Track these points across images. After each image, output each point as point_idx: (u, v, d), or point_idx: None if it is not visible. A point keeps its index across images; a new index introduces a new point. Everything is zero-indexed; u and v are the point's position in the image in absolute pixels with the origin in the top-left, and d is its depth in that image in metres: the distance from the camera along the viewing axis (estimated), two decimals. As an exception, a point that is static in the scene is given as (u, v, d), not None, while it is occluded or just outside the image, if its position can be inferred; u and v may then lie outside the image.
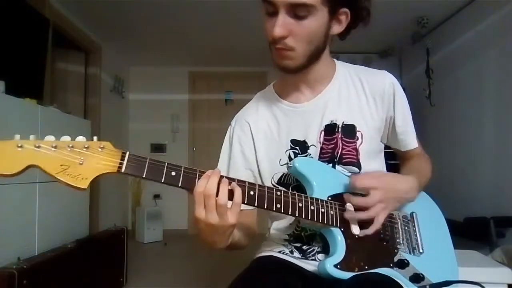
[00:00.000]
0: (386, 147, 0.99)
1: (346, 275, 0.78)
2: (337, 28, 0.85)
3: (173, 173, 0.68)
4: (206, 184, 0.67)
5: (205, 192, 0.67)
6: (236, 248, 0.88)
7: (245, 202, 0.72)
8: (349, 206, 0.82)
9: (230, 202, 0.69)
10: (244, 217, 0.92)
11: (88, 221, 2.57)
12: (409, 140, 0.97)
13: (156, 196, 4.76)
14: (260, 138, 0.96)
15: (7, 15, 2.23)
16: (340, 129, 0.90)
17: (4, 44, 2.19)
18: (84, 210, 2.52)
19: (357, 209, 0.81)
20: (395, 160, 1.08)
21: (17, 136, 0.61)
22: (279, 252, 0.94)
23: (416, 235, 0.91)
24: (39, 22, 2.57)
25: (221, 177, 0.70)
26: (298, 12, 0.77)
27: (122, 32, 3.86)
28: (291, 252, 0.93)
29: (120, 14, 3.42)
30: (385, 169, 1.00)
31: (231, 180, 0.71)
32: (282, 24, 0.78)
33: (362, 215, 0.80)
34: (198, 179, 0.69)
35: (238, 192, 0.69)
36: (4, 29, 2.21)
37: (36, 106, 2.05)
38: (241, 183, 0.73)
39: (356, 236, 0.81)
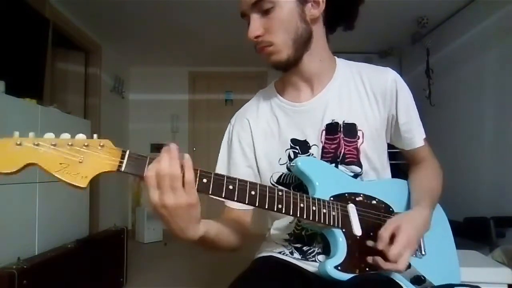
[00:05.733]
0: (390, 147, 0.98)
1: (346, 276, 0.78)
2: (315, 11, 0.85)
3: None
4: (159, 166, 0.62)
5: (157, 172, 0.62)
6: (220, 247, 0.82)
7: (247, 202, 0.72)
8: (350, 208, 0.82)
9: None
10: (238, 216, 0.92)
11: (88, 221, 2.57)
12: (415, 138, 0.95)
13: (156, 196, 4.76)
14: (259, 136, 0.95)
15: (7, 15, 2.23)
16: (342, 129, 0.89)
17: (4, 44, 2.19)
18: (84, 210, 2.52)
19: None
20: (396, 160, 1.08)
21: (16, 133, 0.60)
22: (279, 252, 0.94)
23: (419, 237, 0.90)
24: (39, 22, 2.57)
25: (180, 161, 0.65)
26: (263, 8, 0.81)
27: (122, 32, 3.86)
28: (291, 253, 0.92)
29: (120, 14, 3.41)
30: (388, 168, 0.98)
31: (201, 171, 0.68)
32: (254, 25, 0.82)
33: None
34: (197, 178, 0.67)
35: (188, 172, 0.64)
36: (4, 29, 2.20)
37: (36, 106, 2.05)
38: (242, 182, 0.72)
39: (358, 237, 0.80)
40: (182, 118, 5.03)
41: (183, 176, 0.64)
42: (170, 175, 0.62)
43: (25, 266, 1.59)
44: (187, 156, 0.66)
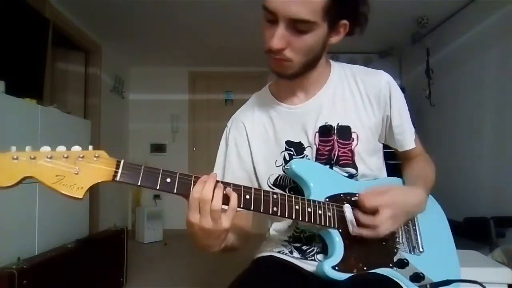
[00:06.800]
0: (386, 147, 0.99)
1: (344, 276, 0.78)
2: (335, 39, 0.85)
3: (168, 180, 0.69)
4: (202, 190, 0.68)
5: (201, 197, 0.67)
6: (230, 251, 0.88)
7: (241, 206, 0.72)
8: (346, 208, 0.82)
9: (225, 206, 0.70)
10: (239, 219, 0.91)
11: (88, 221, 2.57)
12: (406, 140, 0.96)
13: (156, 196, 4.76)
14: (255, 139, 0.96)
15: (7, 15, 2.23)
16: (336, 131, 0.90)
17: (4, 44, 2.19)
18: (84, 210, 2.52)
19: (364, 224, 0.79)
20: (395, 160, 1.08)
21: (13, 148, 0.62)
22: (279, 252, 0.95)
23: (416, 234, 0.90)
24: (39, 22, 2.57)
25: (217, 181, 0.70)
26: (298, 27, 0.76)
27: (122, 32, 3.86)
28: (291, 252, 0.93)
29: (120, 14, 3.42)
30: (384, 168, 1.00)
31: (226, 185, 0.71)
32: (281, 37, 0.77)
33: (370, 233, 0.79)
34: (193, 184, 0.69)
35: (233, 197, 0.70)
36: (4, 29, 2.20)
37: (36, 106, 2.05)
38: (236, 187, 0.73)
39: (354, 237, 0.80)
40: (182, 118, 5.03)
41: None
42: (211, 203, 0.67)
43: (25, 266, 1.59)
44: (229, 189, 0.71)
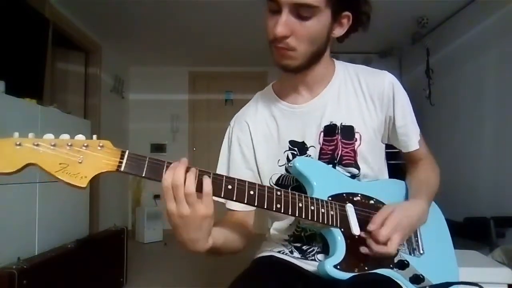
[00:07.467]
0: (389, 147, 0.98)
1: (345, 275, 0.78)
2: (338, 31, 0.85)
3: None
4: (173, 175, 0.65)
5: (173, 183, 0.64)
6: (225, 252, 0.84)
7: (245, 201, 0.72)
8: (349, 207, 0.82)
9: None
10: (241, 218, 0.92)
11: (88, 221, 2.57)
12: (410, 141, 0.95)
13: (156, 196, 4.76)
14: (258, 138, 0.96)
15: (7, 15, 2.23)
16: (339, 131, 0.90)
17: (4, 44, 2.19)
18: (84, 210, 2.52)
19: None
20: (395, 160, 1.08)
21: (16, 134, 0.60)
22: (279, 252, 0.95)
23: (416, 236, 0.91)
24: (39, 22, 2.57)
25: (189, 167, 0.67)
26: (301, 13, 0.76)
27: (122, 32, 3.86)
28: (291, 252, 0.93)
29: (120, 14, 3.42)
30: (386, 169, 0.99)
31: (201, 171, 0.69)
32: (284, 24, 0.77)
33: (379, 255, 0.79)
34: (197, 177, 0.67)
35: (206, 182, 0.67)
36: (4, 29, 2.21)
37: (36, 106, 2.05)
38: (240, 182, 0.72)
39: (356, 237, 0.81)
40: (182, 118, 5.03)
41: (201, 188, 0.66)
42: (183, 186, 0.65)
43: (25, 266, 1.59)
44: (204, 176, 0.69)
